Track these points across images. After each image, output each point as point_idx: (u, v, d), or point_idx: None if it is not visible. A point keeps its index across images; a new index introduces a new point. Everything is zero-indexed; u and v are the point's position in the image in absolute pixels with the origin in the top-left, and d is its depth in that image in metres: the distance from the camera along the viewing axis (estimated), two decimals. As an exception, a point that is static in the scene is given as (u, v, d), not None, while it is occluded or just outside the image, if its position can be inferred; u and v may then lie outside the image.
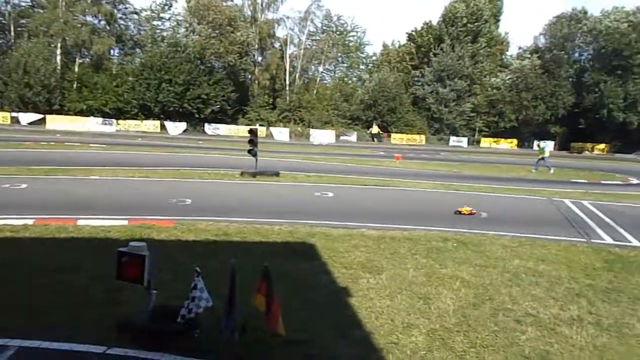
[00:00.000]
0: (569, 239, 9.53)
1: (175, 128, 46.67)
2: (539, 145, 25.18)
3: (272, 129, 49.49)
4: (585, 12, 55.12)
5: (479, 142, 53.96)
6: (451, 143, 52.88)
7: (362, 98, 54.14)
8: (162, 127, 46.59)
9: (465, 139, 53.51)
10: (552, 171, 24.16)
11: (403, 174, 20.71)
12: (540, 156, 25.22)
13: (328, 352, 4.72)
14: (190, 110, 47.73)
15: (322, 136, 48.66)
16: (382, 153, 33.94)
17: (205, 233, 8.60)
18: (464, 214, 11.55)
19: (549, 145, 24.64)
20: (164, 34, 53.80)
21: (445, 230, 9.60)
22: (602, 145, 51.18)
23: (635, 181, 22.92)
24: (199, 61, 49.44)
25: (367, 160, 27.57)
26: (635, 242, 9.51)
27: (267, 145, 29.80)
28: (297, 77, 55.40)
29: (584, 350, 5.03)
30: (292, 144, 41.17)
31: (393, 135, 52.74)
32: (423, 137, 53.30)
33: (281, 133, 49.07)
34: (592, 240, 9.49)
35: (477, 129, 55.01)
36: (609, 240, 9.67)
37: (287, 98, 53.52)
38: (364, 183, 16.68)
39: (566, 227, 10.72)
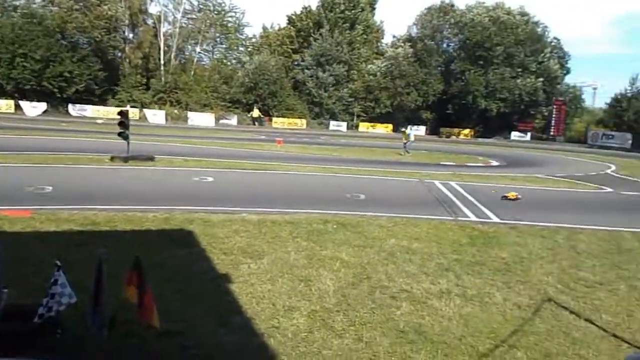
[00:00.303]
0: (438, 217, 10.14)
1: (33, 108, 41.69)
2: (403, 132, 26.70)
3: (146, 111, 46.88)
4: (452, 5, 58.81)
5: (357, 126, 55.73)
6: (331, 127, 54.07)
7: (242, 81, 53.30)
8: (17, 107, 41.67)
9: (344, 124, 54.98)
10: (410, 154, 25.66)
11: (284, 157, 20.76)
12: (405, 140, 26.65)
13: (206, 341, 4.56)
14: (50, 89, 43.07)
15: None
16: (264, 137, 33.78)
17: (68, 223, 7.91)
18: (510, 198, 12.60)
19: (414, 131, 26.27)
20: (17, 2, 48.17)
21: (326, 212, 9.76)
22: (467, 130, 55.28)
23: (495, 163, 25.07)
24: (59, 35, 45.06)
25: (248, 144, 27.27)
26: (495, 219, 10.37)
27: (140, 128, 28.24)
28: (172, 56, 53.00)
29: (452, 320, 5.37)
30: (169, 127, 39.55)
31: (274, 119, 52.73)
32: (304, 121, 53.92)
33: (156, 115, 46.70)
34: (459, 218, 10.19)
35: (355, 113, 56.76)
36: (472, 217, 10.45)
37: (162, 79, 51.06)
38: (244, 167, 16.46)
39: (436, 207, 11.41)
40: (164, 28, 53.06)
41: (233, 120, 50.76)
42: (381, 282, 6.32)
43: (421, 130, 55.40)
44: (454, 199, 12.58)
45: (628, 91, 51.40)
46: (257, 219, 8.90)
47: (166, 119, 46.83)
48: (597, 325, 5.43)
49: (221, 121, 49.43)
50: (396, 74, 54.23)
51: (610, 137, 48.14)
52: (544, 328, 5.33)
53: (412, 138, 27.08)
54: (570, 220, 10.46)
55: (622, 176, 21.14)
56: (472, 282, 6.54)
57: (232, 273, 6.27)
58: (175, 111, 49.04)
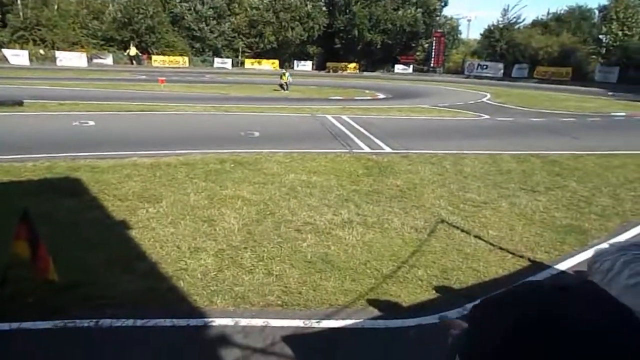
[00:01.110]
0: (334, 150, 10.32)
1: None
2: (282, 75, 26.47)
3: (5, 51, 42.00)
4: None
5: (243, 63, 54.35)
6: (215, 65, 52.25)
7: (114, 16, 49.19)
8: None
9: (229, 60, 53.31)
10: (288, 91, 25.66)
11: (169, 97, 19.80)
12: (283, 80, 26.39)
13: (111, 290, 4.35)
14: None
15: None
16: (144, 77, 31.84)
17: None
18: None
19: (287, 75, 26.21)
20: None
21: (222, 152, 9.53)
22: (353, 65, 56.08)
23: (381, 96, 25.84)
24: None
25: (128, 84, 25.57)
26: (387, 149, 10.77)
27: (1, 70, 25.34)
28: (29, -12, 47.43)
29: (356, 247, 5.58)
30: (35, 69, 35.87)
31: (154, 57, 49.72)
32: (186, 59, 51.46)
33: (19, 56, 41.98)
34: (354, 150, 10.45)
35: (240, 49, 55.13)
36: (366, 149, 10.77)
37: (21, 14, 45.69)
38: (128, 109, 15.48)
39: (331, 140, 11.60)
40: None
41: (108, 60, 47.15)
42: (285, 217, 6.36)
43: (308, 65, 55.34)
44: (347, 132, 12.85)
45: (500, 22, 54.60)
46: (149, 162, 8.48)
47: (30, 60, 42.37)
48: (485, 241, 5.92)
49: (95, 61, 45.69)
50: (280, 7, 53.02)
51: (485, 67, 51.34)
52: (439, 247, 5.71)
53: (290, 79, 26.94)
54: (455, 146, 11.15)
55: (497, 104, 22.79)
56: (372, 210, 6.79)
57: (130, 219, 5.97)
58: (41, 51, 44.39)
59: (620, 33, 46.47)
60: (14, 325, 3.81)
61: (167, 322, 4.04)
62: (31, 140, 10.27)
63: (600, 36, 49.09)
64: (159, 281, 4.63)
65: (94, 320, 3.95)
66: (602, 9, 50.73)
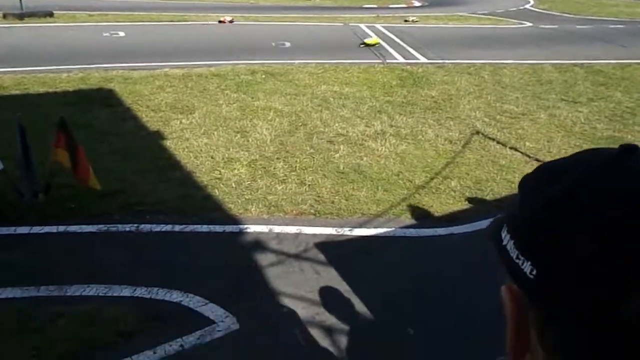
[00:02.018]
0: (367, 61, 10.02)
1: None
2: None
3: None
4: None
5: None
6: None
7: None
8: None
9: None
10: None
11: (199, 7, 19.32)
12: None
13: (149, 197, 4.49)
14: None
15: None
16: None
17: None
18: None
19: None
20: None
21: (253, 62, 9.37)
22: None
23: (417, 4, 24.64)
24: None
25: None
26: (422, 59, 10.40)
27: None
28: None
29: (389, 158, 5.55)
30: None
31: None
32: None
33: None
34: (387, 61, 10.13)
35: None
36: (400, 59, 10.42)
37: None
38: (158, 19, 15.21)
39: (364, 50, 11.22)
40: None
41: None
42: (317, 128, 6.32)
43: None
44: (381, 41, 12.40)
45: None
46: (181, 73, 8.42)
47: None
48: (521, 152, 5.81)
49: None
50: None
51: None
52: (473, 159, 5.64)
53: None
54: (494, 56, 10.68)
55: (541, 10, 21.51)
56: (405, 121, 6.68)
57: (164, 129, 6.04)
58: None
59: None
60: (61, 227, 4.00)
61: (204, 228, 4.18)
62: (63, 51, 10.27)
63: None
64: (194, 189, 4.74)
65: (135, 225, 4.11)
66: None
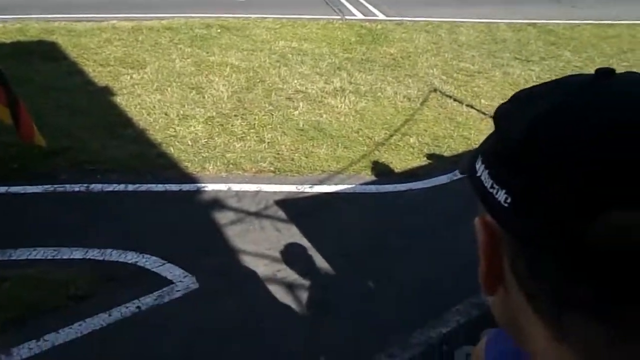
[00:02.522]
0: (326, 17, 9.78)
1: None
2: None
3: None
4: None
5: None
6: None
7: None
8: None
9: None
10: None
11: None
12: None
13: (100, 155, 4.30)
14: None
15: None
16: None
17: None
18: None
19: None
20: None
21: (207, 16, 9.00)
22: None
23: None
24: None
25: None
26: (381, 16, 10.24)
27: None
28: None
29: (348, 115, 5.49)
30: None
31: None
32: None
33: None
34: (346, 17, 9.92)
35: None
36: (359, 15, 10.22)
37: None
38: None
39: (322, 6, 10.93)
40: None
41: None
42: (276, 85, 6.17)
43: None
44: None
45: None
46: (130, 25, 7.98)
47: None
48: (477, 109, 5.85)
49: None
50: None
51: None
52: (431, 116, 5.65)
53: None
54: (451, 14, 10.62)
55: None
56: (364, 78, 6.60)
57: (114, 85, 5.75)
58: None
59: None
60: (2, 189, 3.79)
61: (159, 187, 4.05)
62: None
63: None
64: (148, 147, 4.57)
65: (85, 184, 3.94)
66: None
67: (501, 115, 0.46)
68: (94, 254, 3.23)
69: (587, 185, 0.36)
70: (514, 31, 9.46)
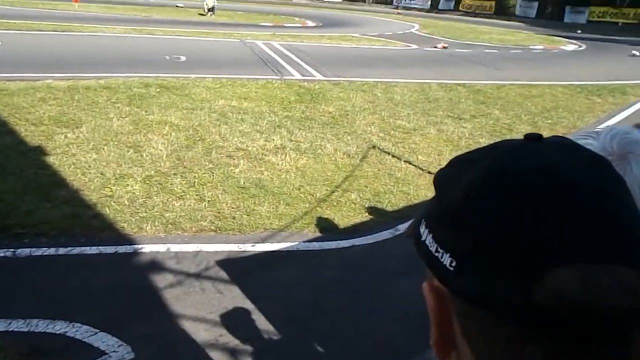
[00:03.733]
0: (265, 77, 10.00)
1: None
2: (206, 4, 24.96)
3: None
4: None
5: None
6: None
7: None
8: None
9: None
10: (213, 15, 24.46)
11: (85, 18, 18.33)
12: (209, 4, 24.94)
13: (30, 218, 4.08)
14: None
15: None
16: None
17: None
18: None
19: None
20: None
21: (146, 76, 8.98)
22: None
23: (312, 24, 25.18)
24: None
25: (36, 2, 23.34)
26: (318, 76, 10.57)
27: None
28: None
29: (289, 172, 5.52)
30: None
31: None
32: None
33: None
34: (285, 77, 10.18)
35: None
36: (298, 76, 10.52)
37: None
38: (39, 28, 14.18)
39: (262, 66, 11.22)
40: None
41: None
42: (216, 143, 6.16)
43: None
44: (278, 58, 12.47)
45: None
46: (66, 85, 7.85)
47: None
48: (414, 165, 6.04)
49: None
50: None
51: (413, -2, 51.08)
52: (371, 172, 5.77)
53: (216, 4, 25.46)
54: (385, 74, 11.12)
55: (425, 34, 22.85)
56: (304, 136, 6.71)
57: (47, 145, 5.56)
58: None
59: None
60: None
61: (93, 249, 3.87)
62: None
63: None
64: (82, 208, 4.39)
65: (11, 249, 3.71)
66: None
67: (440, 180, 0.48)
68: (18, 325, 3.00)
69: (527, 249, 0.37)
70: (446, 91, 9.97)
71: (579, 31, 27.77)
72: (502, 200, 0.40)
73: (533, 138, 0.45)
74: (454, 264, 0.41)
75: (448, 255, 0.42)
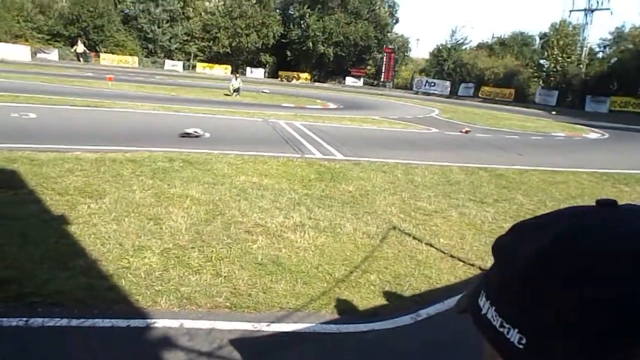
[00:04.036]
0: (286, 155, 10.18)
1: None
2: (234, 80, 26.19)
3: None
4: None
5: (194, 66, 53.56)
6: (166, 67, 51.28)
7: (62, 11, 47.40)
8: None
9: (180, 63, 52.45)
10: (238, 96, 25.36)
11: (118, 95, 19.16)
12: (234, 85, 25.97)
13: (45, 287, 4.04)
14: None
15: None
16: (91, 74, 30.77)
17: None
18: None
19: (238, 80, 26.06)
20: None
21: (170, 150, 9.21)
22: (305, 74, 56.32)
23: (333, 106, 25.95)
24: None
25: (73, 80, 24.59)
26: (339, 156, 10.73)
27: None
28: (-27, -22, 45.16)
29: (308, 250, 5.45)
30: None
31: (102, 55, 48.28)
32: (136, 59, 50.25)
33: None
34: (306, 155, 10.35)
35: (192, 53, 54.29)
36: (318, 155, 10.69)
37: (-39, 4, 43.45)
38: (73, 104, 14.82)
39: (283, 145, 11.45)
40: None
41: (53, 55, 45.35)
42: (235, 218, 6.17)
43: (260, 72, 55.15)
44: (299, 137, 12.75)
45: (448, 42, 56.25)
46: (93, 157, 8.07)
47: (-33, 50, 40.23)
48: (436, 248, 5.93)
49: (39, 55, 43.86)
50: (236, 14, 52.69)
51: (433, 84, 52.73)
52: (391, 253, 5.67)
53: (241, 85, 26.61)
54: (406, 156, 11.24)
55: (445, 119, 23.32)
56: (324, 214, 6.69)
57: (70, 214, 5.62)
58: (-22, 42, 42.28)
59: (560, 58, 48.82)
60: None
61: (106, 322, 3.78)
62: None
63: (542, 61, 51.45)
64: (98, 279, 4.35)
65: (24, 318, 3.64)
66: (543, 36, 53.26)
67: (502, 247, 0.44)
68: (23, 399, 2.89)
69: (613, 320, 0.34)
70: (467, 174, 9.99)
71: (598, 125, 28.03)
72: (585, 268, 0.36)
73: (607, 204, 0.42)
74: (523, 341, 0.37)
75: (516, 331, 0.38)
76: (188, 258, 4.91)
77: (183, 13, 52.67)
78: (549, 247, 0.38)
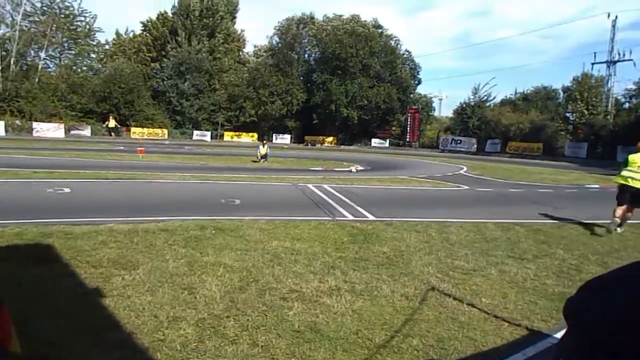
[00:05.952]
0: (317, 218, 10.12)
1: None
2: (261, 146, 26.77)
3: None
4: (313, 17, 60.52)
5: (222, 136, 54.94)
6: (195, 137, 52.72)
7: (94, 89, 49.71)
8: None
9: (208, 133, 53.91)
10: (265, 162, 25.69)
11: (148, 167, 19.63)
12: (262, 152, 26.44)
13: (81, 363, 3.95)
14: None
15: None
16: (122, 147, 31.78)
17: None
18: None
19: (265, 146, 26.62)
20: None
21: (202, 218, 9.25)
22: (331, 138, 57.16)
23: (360, 168, 26.07)
24: None
25: (105, 154, 25.40)
26: (370, 217, 10.62)
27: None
28: (11, 62, 47.99)
29: (345, 315, 5.27)
30: (11, 139, 35.60)
31: (133, 129, 50.03)
32: (165, 131, 51.89)
33: (-5, 126, 41.96)
34: (337, 218, 10.27)
35: (219, 123, 55.87)
36: (350, 216, 10.60)
37: (1, 86, 45.94)
38: (105, 177, 15.20)
39: (313, 208, 11.42)
40: (1, 31, 48.02)
41: (86, 131, 47.23)
42: (269, 284, 6.05)
43: (286, 138, 56.22)
44: (329, 200, 12.72)
45: (471, 100, 56.72)
46: (126, 228, 8.14)
47: (6, 130, 42.18)
48: (478, 309, 5.67)
49: (73, 132, 45.75)
50: (259, 83, 54.47)
51: (459, 142, 52.82)
52: (432, 315, 5.43)
53: (268, 151, 27.14)
54: (438, 214, 11.07)
55: (474, 175, 23.13)
56: (359, 277, 6.53)
57: (104, 287, 5.59)
58: (17, 122, 44.35)
59: (585, 111, 48.64)
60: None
61: (142, 399, 3.64)
62: (1, 208, 9.84)
63: (567, 114, 51.33)
64: (133, 353, 4.24)
65: (59, 397, 3.54)
66: (566, 89, 53.38)
67: (576, 308, 0.39)
68: None
69: None
70: (503, 230, 9.74)
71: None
72: None
73: None
74: None
75: None
76: (224, 328, 4.78)
77: (209, 85, 54.69)
78: (628, 309, 0.35)
